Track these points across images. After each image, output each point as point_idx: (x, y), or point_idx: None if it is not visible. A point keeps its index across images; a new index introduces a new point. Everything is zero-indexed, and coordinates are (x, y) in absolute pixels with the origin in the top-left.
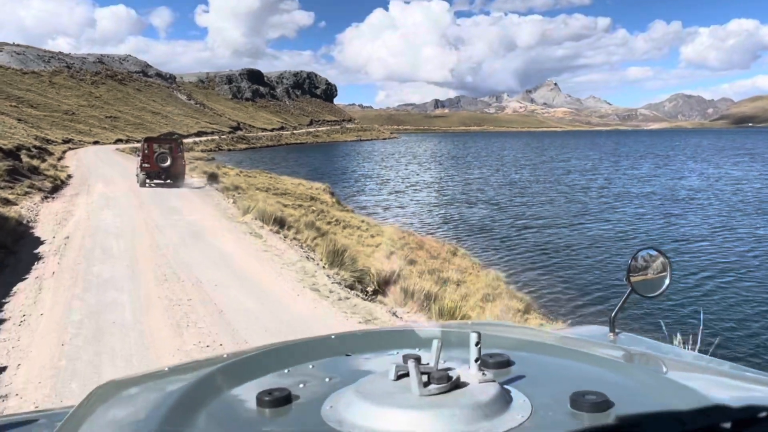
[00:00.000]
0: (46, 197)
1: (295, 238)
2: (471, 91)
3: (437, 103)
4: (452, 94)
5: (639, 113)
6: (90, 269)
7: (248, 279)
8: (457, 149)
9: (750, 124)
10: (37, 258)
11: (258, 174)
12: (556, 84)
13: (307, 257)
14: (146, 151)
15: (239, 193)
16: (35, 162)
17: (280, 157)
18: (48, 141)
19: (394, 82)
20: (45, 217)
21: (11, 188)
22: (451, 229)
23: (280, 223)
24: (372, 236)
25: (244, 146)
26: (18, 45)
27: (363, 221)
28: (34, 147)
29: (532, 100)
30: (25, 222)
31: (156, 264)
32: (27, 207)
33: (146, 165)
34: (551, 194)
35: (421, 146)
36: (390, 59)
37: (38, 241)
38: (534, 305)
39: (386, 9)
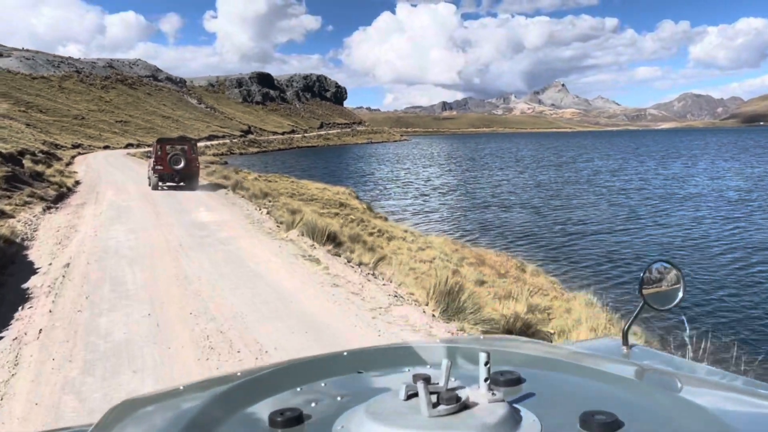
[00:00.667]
0: (49, 207)
1: (361, 263)
2: (478, 93)
3: (445, 105)
4: (460, 96)
5: (648, 113)
6: (94, 323)
7: (338, 344)
8: (471, 151)
9: (762, 123)
10: (25, 298)
11: (278, 178)
12: (563, 85)
13: (396, 295)
14: (159, 153)
15: (270, 201)
16: (40, 167)
17: (294, 160)
18: (57, 146)
19: (402, 84)
20: (44, 234)
21: (9, 197)
22: (497, 237)
23: (334, 241)
24: (421, 249)
25: (255, 150)
26: (27, 50)
27: (406, 231)
28: (41, 152)
29: (539, 102)
30: (19, 240)
31: (190, 313)
32: (24, 220)
33: (159, 167)
34: (589, 197)
35: (434, 148)
36: (397, 62)
37: (31, 269)
38: (652, 340)
39: (393, 12)
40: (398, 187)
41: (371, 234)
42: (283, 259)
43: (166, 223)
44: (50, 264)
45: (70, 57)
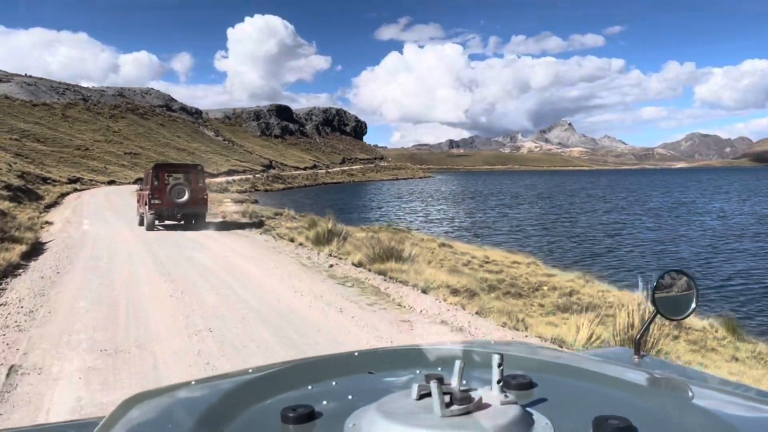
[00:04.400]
0: None
1: None
2: (485, 132)
3: (452, 143)
4: (466, 134)
5: (656, 152)
6: None
7: None
8: (522, 188)
9: None
10: None
11: (421, 237)
12: (570, 124)
13: None
14: (156, 183)
15: None
16: None
17: (331, 198)
18: (46, 180)
19: (409, 123)
20: None
21: None
22: None
23: None
24: None
25: (281, 186)
26: (30, 76)
27: None
28: (6, 188)
29: (546, 140)
30: None
31: None
32: None
33: (156, 201)
34: None
35: (474, 185)
36: (404, 101)
37: None
38: None
39: (401, 52)
40: (543, 242)
41: None
42: None
43: None
44: None
45: (76, 84)
